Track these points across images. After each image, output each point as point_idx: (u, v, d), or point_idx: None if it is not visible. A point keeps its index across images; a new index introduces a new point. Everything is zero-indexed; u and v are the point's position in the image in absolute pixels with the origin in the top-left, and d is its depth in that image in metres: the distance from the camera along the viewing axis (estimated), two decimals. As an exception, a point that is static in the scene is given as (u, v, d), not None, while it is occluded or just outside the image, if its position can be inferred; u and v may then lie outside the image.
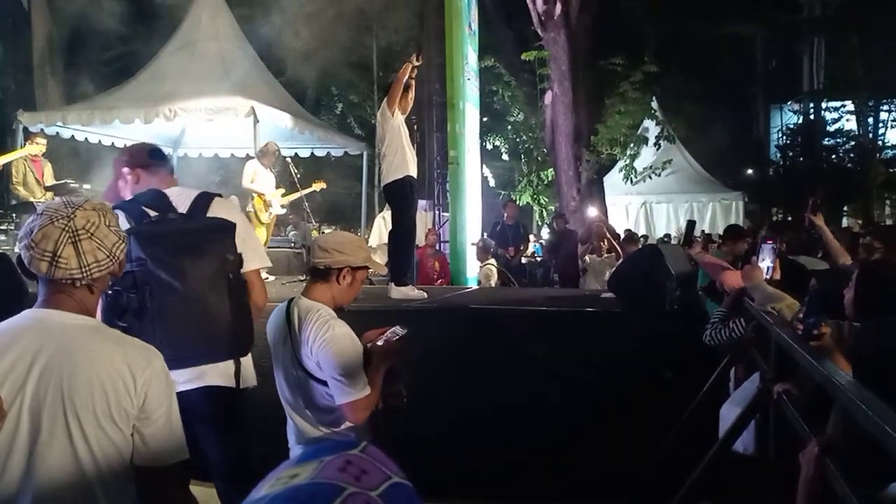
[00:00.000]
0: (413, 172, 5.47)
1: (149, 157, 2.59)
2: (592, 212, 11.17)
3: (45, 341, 1.48)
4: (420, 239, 8.11)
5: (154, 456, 1.54)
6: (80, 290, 1.53)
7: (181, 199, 2.39)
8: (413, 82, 5.56)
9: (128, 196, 2.49)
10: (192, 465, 1.74)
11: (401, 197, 5.41)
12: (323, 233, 8.07)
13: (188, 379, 2.29)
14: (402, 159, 5.38)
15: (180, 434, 1.59)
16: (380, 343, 2.36)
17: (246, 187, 7.12)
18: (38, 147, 7.34)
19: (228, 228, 2.34)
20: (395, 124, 5.37)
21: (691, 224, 4.47)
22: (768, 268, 3.26)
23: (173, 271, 2.18)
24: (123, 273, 1.81)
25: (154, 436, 1.53)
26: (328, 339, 2.24)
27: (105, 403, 1.47)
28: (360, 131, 16.31)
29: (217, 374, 2.36)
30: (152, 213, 2.31)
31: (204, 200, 2.41)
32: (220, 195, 2.49)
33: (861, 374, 1.72)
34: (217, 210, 2.40)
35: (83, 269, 1.50)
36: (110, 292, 2.12)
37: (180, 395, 1.66)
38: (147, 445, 1.53)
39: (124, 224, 2.17)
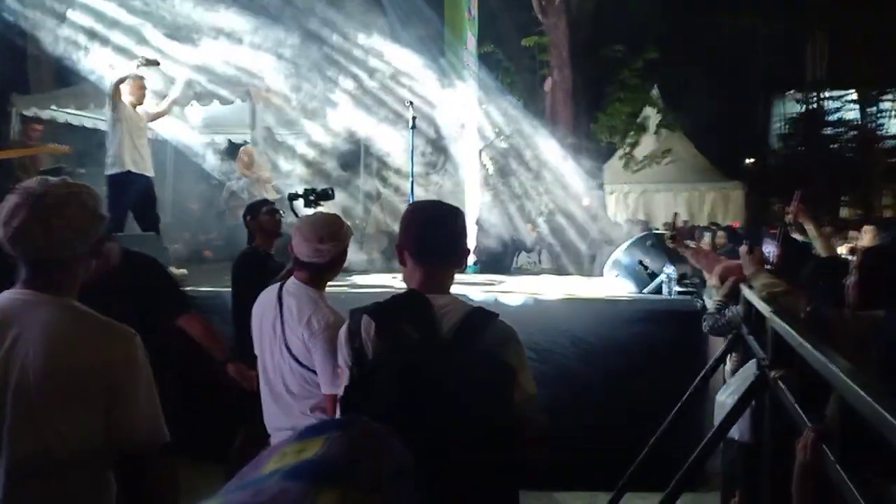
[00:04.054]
0: (134, 167, 5.55)
1: (421, 241, 1.76)
2: (587, 200, 11.16)
3: (15, 321, 1.46)
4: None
5: (126, 439, 1.48)
6: (53, 269, 1.51)
7: (448, 311, 1.68)
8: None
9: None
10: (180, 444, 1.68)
11: (113, 190, 5.46)
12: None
13: None
14: (119, 153, 5.48)
15: (156, 416, 1.53)
16: None
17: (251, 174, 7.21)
18: (60, 149, 7.18)
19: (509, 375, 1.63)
20: (117, 116, 5.49)
21: (675, 216, 4.45)
22: (770, 253, 3.25)
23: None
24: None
25: (124, 418, 1.48)
26: (327, 327, 2.22)
27: (71, 384, 1.44)
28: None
29: None
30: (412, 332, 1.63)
31: (479, 322, 1.67)
32: (497, 315, 1.73)
33: (890, 364, 1.69)
34: (492, 339, 1.65)
35: (51, 248, 1.48)
36: None
37: None
38: (119, 428, 1.47)
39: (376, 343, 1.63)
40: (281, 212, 4.01)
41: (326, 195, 4.14)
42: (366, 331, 1.66)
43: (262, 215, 3.82)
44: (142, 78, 5.75)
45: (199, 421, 3.40)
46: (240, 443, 3.48)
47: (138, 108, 5.74)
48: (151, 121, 6.02)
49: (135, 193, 5.56)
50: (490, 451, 1.54)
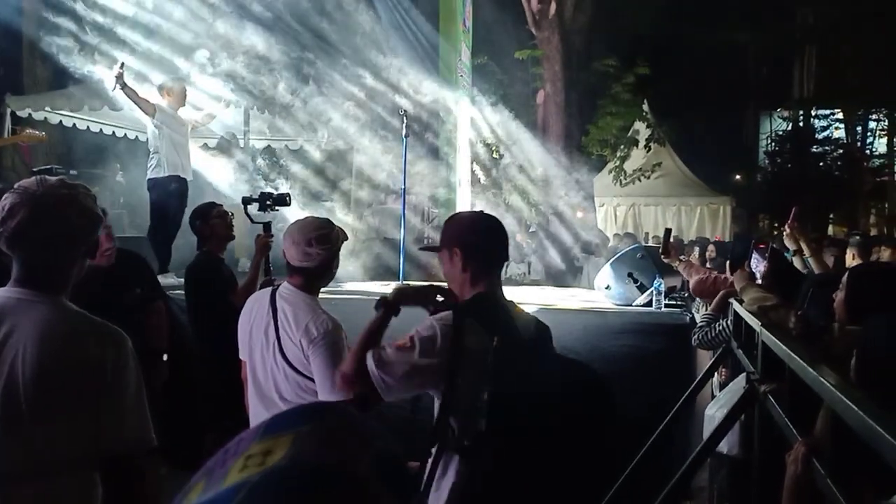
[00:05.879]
0: (180, 172, 5.54)
1: (490, 252, 1.88)
2: (579, 213, 11.21)
3: (7, 319, 1.46)
4: None
5: (114, 442, 1.47)
6: (48, 269, 1.51)
7: (523, 320, 1.81)
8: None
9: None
10: (166, 452, 1.68)
11: (156, 194, 5.50)
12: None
13: None
14: (164, 156, 5.46)
15: (144, 421, 1.52)
16: None
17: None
18: (36, 137, 7.08)
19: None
20: (156, 122, 5.48)
21: (668, 232, 4.45)
22: (759, 271, 3.28)
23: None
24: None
25: (113, 420, 1.46)
26: (326, 333, 2.21)
27: (62, 384, 1.43)
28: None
29: None
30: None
31: (545, 326, 1.83)
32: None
33: (872, 375, 1.69)
34: (553, 343, 1.82)
35: (48, 248, 1.48)
36: None
37: None
38: (107, 430, 1.46)
39: (482, 344, 1.67)
40: (231, 213, 3.92)
41: (283, 201, 3.96)
42: (450, 332, 1.68)
43: (214, 219, 3.73)
44: (181, 80, 5.76)
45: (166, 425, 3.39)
46: (209, 450, 3.44)
47: (180, 112, 5.70)
48: (194, 128, 5.99)
49: (175, 195, 5.53)
50: (583, 447, 1.76)
